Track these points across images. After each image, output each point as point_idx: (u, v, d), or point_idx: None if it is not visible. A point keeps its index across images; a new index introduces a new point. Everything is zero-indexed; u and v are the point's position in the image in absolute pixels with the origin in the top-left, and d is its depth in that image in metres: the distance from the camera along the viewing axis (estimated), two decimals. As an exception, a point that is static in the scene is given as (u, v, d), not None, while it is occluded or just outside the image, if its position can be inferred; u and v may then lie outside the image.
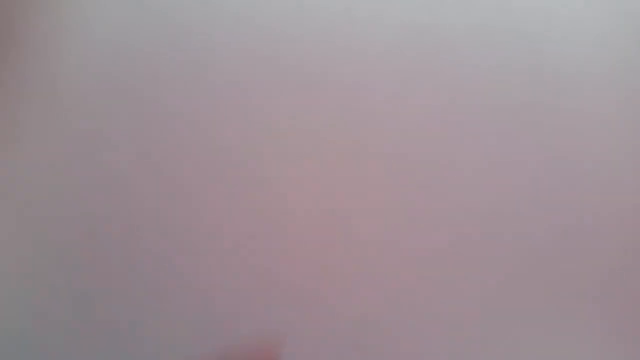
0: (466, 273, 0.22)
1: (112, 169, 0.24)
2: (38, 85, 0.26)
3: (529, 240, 0.24)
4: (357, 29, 0.23)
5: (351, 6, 0.24)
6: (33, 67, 0.26)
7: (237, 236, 0.22)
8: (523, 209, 0.24)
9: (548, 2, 0.24)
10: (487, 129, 0.24)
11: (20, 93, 0.26)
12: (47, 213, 0.24)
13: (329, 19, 0.24)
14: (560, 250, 0.24)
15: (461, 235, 0.23)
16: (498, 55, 0.24)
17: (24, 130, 0.26)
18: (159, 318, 0.22)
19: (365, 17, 0.24)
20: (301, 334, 0.21)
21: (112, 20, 0.26)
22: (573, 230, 0.24)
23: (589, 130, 0.24)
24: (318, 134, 0.23)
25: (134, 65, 0.26)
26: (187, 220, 0.22)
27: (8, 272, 0.24)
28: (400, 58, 0.24)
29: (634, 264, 0.23)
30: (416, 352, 0.21)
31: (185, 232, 0.22)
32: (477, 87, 0.24)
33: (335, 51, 0.24)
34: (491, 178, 0.25)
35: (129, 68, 0.26)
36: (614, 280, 0.23)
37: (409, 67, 0.24)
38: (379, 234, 0.22)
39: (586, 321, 0.22)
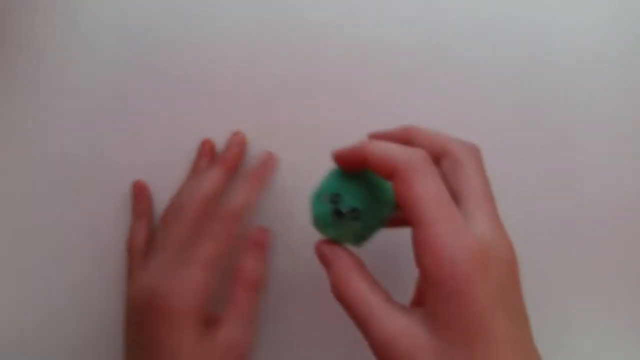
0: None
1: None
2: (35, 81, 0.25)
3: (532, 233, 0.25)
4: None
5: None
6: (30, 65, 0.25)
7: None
8: (522, 204, 0.24)
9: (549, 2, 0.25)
10: (487, 126, 0.24)
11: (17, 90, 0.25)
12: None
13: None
14: (559, 243, 0.24)
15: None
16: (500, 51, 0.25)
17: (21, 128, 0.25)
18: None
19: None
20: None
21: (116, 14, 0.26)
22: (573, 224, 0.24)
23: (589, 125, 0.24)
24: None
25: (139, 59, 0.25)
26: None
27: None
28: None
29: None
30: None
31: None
32: (479, 83, 0.24)
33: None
34: (491, 174, 0.25)
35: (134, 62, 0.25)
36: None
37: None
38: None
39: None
